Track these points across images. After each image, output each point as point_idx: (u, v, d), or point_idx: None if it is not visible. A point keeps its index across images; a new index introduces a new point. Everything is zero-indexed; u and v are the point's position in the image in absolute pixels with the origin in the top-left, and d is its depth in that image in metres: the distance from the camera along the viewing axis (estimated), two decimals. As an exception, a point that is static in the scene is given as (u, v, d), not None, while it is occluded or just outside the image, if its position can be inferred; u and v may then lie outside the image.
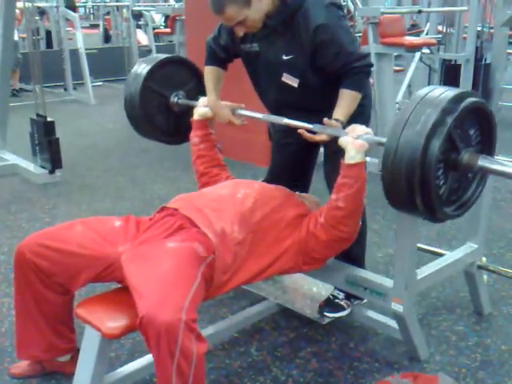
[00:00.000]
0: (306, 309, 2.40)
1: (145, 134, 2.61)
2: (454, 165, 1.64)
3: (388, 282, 2.12)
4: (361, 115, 2.23)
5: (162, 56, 2.58)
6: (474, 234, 2.42)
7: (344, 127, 1.98)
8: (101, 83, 9.15)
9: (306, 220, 2.07)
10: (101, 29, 12.83)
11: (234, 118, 2.32)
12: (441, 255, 2.47)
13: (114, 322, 1.75)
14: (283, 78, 2.14)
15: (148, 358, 2.04)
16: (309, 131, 2.02)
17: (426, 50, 6.58)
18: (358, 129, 1.90)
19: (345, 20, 2.12)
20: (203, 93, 2.47)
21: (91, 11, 18.86)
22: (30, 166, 4.62)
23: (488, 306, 2.54)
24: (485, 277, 2.53)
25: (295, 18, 2.03)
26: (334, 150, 2.12)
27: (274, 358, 2.25)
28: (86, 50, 8.04)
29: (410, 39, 5.06)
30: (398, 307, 2.06)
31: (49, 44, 10.14)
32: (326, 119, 1.98)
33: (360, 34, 6.43)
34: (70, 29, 8.88)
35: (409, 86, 6.83)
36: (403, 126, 1.59)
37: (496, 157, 2.26)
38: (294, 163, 2.46)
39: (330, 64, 2.06)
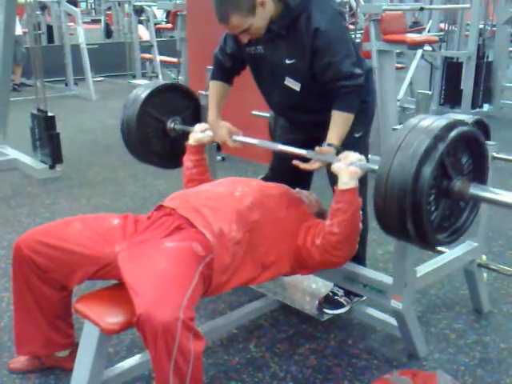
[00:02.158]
0: (305, 305, 2.40)
1: (140, 157, 2.61)
2: (445, 192, 1.65)
3: (387, 280, 2.11)
4: (363, 112, 2.23)
5: (161, 82, 2.60)
6: (474, 232, 2.41)
7: (338, 152, 2.00)
8: (102, 78, 9.15)
9: (304, 230, 2.06)
10: (102, 24, 12.85)
11: (229, 141, 2.31)
12: (440, 253, 2.47)
13: (113, 318, 1.74)
14: (286, 82, 2.14)
15: (147, 354, 2.03)
16: (303, 159, 2.06)
17: (427, 48, 6.56)
18: (351, 156, 1.91)
19: (347, 33, 2.09)
20: (199, 119, 2.51)
21: (93, 6, 18.86)
22: (31, 161, 4.63)
23: (487, 304, 2.54)
24: (484, 275, 2.52)
25: (298, 22, 2.02)
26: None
27: (273, 354, 2.25)
28: (88, 45, 8.04)
29: (411, 36, 5.05)
30: (397, 304, 2.06)
31: (50, 39, 10.15)
32: (317, 148, 2.01)
33: (362, 31, 6.42)
34: (72, 24, 8.88)
35: (410, 83, 6.83)
36: (395, 151, 1.60)
37: (498, 154, 2.26)
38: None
39: (320, 73, 2.05)
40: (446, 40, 7.08)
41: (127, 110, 2.49)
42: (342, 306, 2.33)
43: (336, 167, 1.91)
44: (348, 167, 1.88)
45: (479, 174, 1.73)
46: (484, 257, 2.48)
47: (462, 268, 2.46)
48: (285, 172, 2.45)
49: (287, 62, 2.10)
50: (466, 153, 1.69)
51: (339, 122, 2.05)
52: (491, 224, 3.28)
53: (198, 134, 2.38)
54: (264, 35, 2.07)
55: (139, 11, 8.60)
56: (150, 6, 8.69)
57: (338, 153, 2.01)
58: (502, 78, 6.86)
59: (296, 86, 2.13)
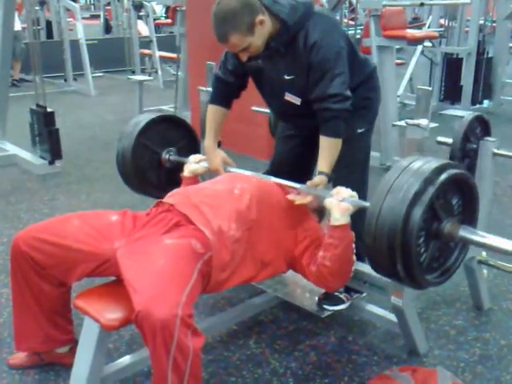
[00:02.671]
0: (305, 302, 2.40)
1: (135, 188, 2.60)
2: (435, 234, 1.66)
3: (388, 276, 2.11)
4: (366, 109, 2.22)
5: (157, 114, 2.58)
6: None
7: (330, 179, 2.03)
8: (101, 74, 9.13)
9: (303, 244, 2.05)
10: (101, 19, 12.80)
11: (222, 171, 2.30)
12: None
13: (113, 314, 1.74)
14: (286, 97, 2.15)
15: (146, 350, 2.03)
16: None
17: (427, 44, 6.56)
18: (343, 192, 1.91)
19: (344, 50, 2.05)
20: (194, 150, 2.51)
21: (92, 1, 18.82)
22: (30, 157, 4.62)
23: (487, 301, 2.54)
24: (484, 271, 2.52)
25: (296, 40, 2.02)
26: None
27: (273, 350, 2.25)
28: (87, 40, 8.03)
29: (411, 32, 5.04)
30: (397, 301, 2.06)
31: (49, 34, 10.13)
32: (309, 182, 2.03)
33: (362, 27, 6.41)
34: (71, 19, 8.85)
35: (410, 79, 6.83)
36: (386, 192, 1.61)
37: (498, 150, 2.26)
38: (296, 155, 2.46)
39: (310, 89, 2.05)
40: (446, 36, 7.06)
41: (123, 141, 2.48)
42: (341, 302, 2.33)
43: (328, 203, 1.91)
44: (340, 203, 1.88)
45: (469, 215, 1.74)
46: (484, 253, 2.48)
47: (463, 264, 2.45)
48: (285, 168, 2.45)
49: (286, 77, 2.10)
50: (457, 194, 1.70)
51: (327, 149, 2.06)
52: (491, 220, 3.27)
53: (193, 165, 2.37)
54: (263, 52, 2.07)
55: (138, 6, 8.57)
56: (149, 2, 8.67)
57: (329, 180, 2.04)
58: (502, 74, 6.85)
59: (296, 100, 2.14)
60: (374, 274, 2.14)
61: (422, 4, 4.94)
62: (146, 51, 8.56)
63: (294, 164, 2.45)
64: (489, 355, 2.22)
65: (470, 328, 2.40)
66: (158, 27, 9.76)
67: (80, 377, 1.81)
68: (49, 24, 10.07)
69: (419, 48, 6.68)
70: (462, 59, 6.66)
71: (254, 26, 1.95)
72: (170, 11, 7.68)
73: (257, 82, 2.29)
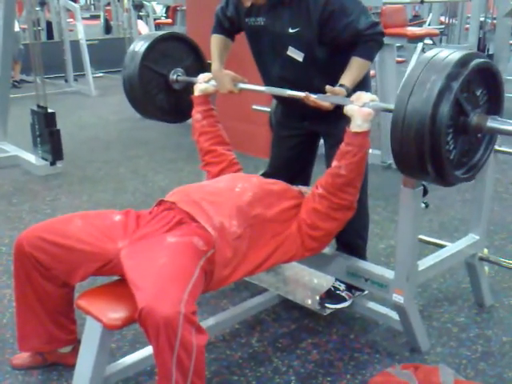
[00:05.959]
0: (306, 300, 2.40)
1: (146, 114, 2.58)
2: (463, 128, 1.64)
3: (389, 274, 2.11)
4: None
5: (158, 33, 2.54)
6: (476, 226, 2.41)
7: (349, 94, 1.97)
8: (102, 74, 9.13)
9: (304, 202, 2.05)
10: (102, 20, 12.79)
11: (234, 89, 2.30)
12: (442, 246, 2.47)
13: (116, 313, 1.74)
14: (288, 52, 2.12)
15: (149, 349, 2.04)
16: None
17: (428, 41, 6.55)
18: (364, 96, 1.89)
19: None
20: (202, 69, 2.46)
21: (92, 2, 18.81)
22: (31, 158, 4.61)
23: (489, 298, 2.54)
24: (486, 268, 2.52)
25: None
26: (334, 142, 2.10)
27: (275, 349, 2.25)
28: (87, 40, 8.02)
29: (412, 30, 5.04)
30: (399, 298, 2.06)
31: (49, 35, 10.13)
32: (328, 86, 1.98)
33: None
34: (71, 20, 8.85)
35: (411, 77, 6.80)
36: (410, 92, 1.58)
37: (499, 147, 2.26)
38: (295, 156, 2.44)
39: (341, 35, 2.04)
40: (446, 33, 7.07)
41: (127, 68, 2.44)
42: (343, 300, 2.33)
43: (349, 110, 1.89)
44: (361, 109, 1.86)
45: (494, 105, 1.72)
46: (486, 250, 2.48)
47: (464, 262, 2.46)
48: (284, 168, 2.45)
49: (290, 30, 2.08)
50: (481, 85, 1.67)
51: (355, 67, 2.05)
52: (493, 217, 3.28)
53: (203, 84, 2.38)
54: (266, 3, 2.07)
55: (139, 6, 8.58)
56: (149, 2, 8.67)
57: (348, 95, 1.99)
58: (503, 71, 6.84)
59: (299, 55, 2.11)
60: (375, 271, 2.16)
61: (422, 1, 4.94)
62: (147, 51, 8.55)
63: (293, 166, 2.43)
64: (491, 352, 2.22)
65: (471, 325, 2.40)
66: (158, 27, 9.76)
67: (83, 376, 1.81)
68: (49, 25, 10.07)
69: (420, 45, 6.67)
70: (462, 56, 6.65)
71: None
72: (171, 11, 7.69)
73: (254, 43, 2.26)
